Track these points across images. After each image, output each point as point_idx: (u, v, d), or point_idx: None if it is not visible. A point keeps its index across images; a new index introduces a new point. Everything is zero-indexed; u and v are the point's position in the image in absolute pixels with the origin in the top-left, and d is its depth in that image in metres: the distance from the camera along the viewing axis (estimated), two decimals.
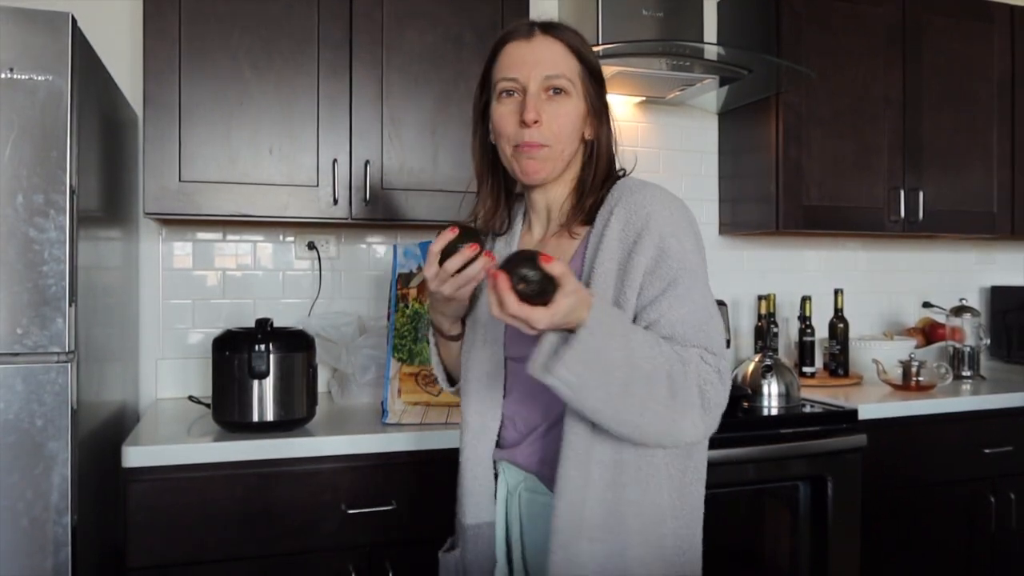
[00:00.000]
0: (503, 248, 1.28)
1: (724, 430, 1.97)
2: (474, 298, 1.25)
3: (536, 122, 1.13)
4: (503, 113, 1.17)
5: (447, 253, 1.09)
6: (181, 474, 1.63)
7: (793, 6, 2.45)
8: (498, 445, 1.25)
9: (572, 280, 0.96)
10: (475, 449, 1.24)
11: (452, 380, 1.38)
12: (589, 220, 1.18)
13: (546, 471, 1.16)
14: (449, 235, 1.09)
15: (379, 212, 2.05)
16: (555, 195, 1.23)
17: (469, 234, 1.10)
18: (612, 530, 1.09)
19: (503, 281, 0.93)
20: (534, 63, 1.15)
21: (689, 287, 1.09)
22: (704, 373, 1.04)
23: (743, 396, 2.19)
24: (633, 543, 1.09)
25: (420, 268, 1.90)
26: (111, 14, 2.18)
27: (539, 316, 0.94)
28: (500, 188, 1.28)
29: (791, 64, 2.33)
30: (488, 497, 1.23)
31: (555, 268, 0.95)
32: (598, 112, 1.20)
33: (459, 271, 1.09)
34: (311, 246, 2.34)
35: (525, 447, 1.20)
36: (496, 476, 1.26)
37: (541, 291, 0.94)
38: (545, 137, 1.14)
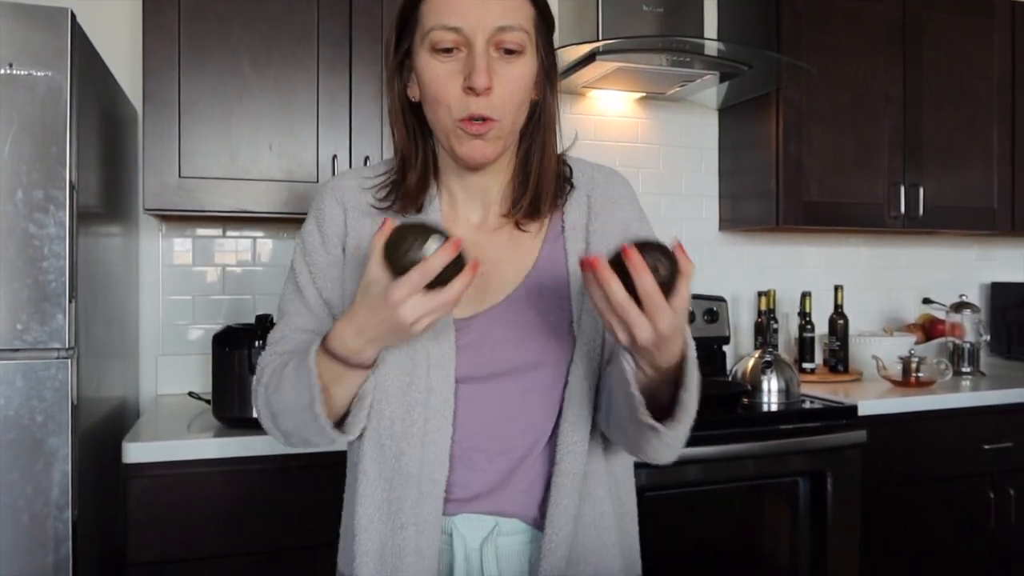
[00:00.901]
0: None
1: (724, 426, 2.01)
2: None
3: (488, 89, 0.89)
4: (440, 75, 0.90)
5: (442, 279, 0.80)
6: (181, 470, 1.63)
7: (793, 3, 2.45)
8: (451, 497, 0.95)
9: (687, 296, 0.80)
10: (420, 512, 0.92)
11: (339, 424, 0.97)
12: (538, 214, 0.99)
13: (533, 507, 0.97)
14: (451, 250, 0.79)
15: None
16: (498, 175, 1.01)
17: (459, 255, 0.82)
18: (596, 552, 0.97)
19: (639, 259, 0.76)
20: (483, 9, 0.89)
21: None
22: None
23: (743, 392, 2.19)
24: (612, 554, 0.99)
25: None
26: (110, 10, 2.17)
27: (668, 314, 0.77)
28: (429, 155, 1.01)
29: (791, 60, 2.33)
30: (431, 574, 0.94)
31: (686, 267, 0.79)
32: (548, 69, 0.97)
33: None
34: None
35: (512, 489, 0.96)
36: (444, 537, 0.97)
37: (669, 281, 0.79)
38: (494, 108, 0.90)
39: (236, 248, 2.31)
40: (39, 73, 1.40)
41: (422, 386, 0.93)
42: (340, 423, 0.96)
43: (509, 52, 0.91)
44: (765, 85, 2.47)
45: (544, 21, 0.96)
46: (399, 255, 0.80)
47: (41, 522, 1.40)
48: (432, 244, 0.80)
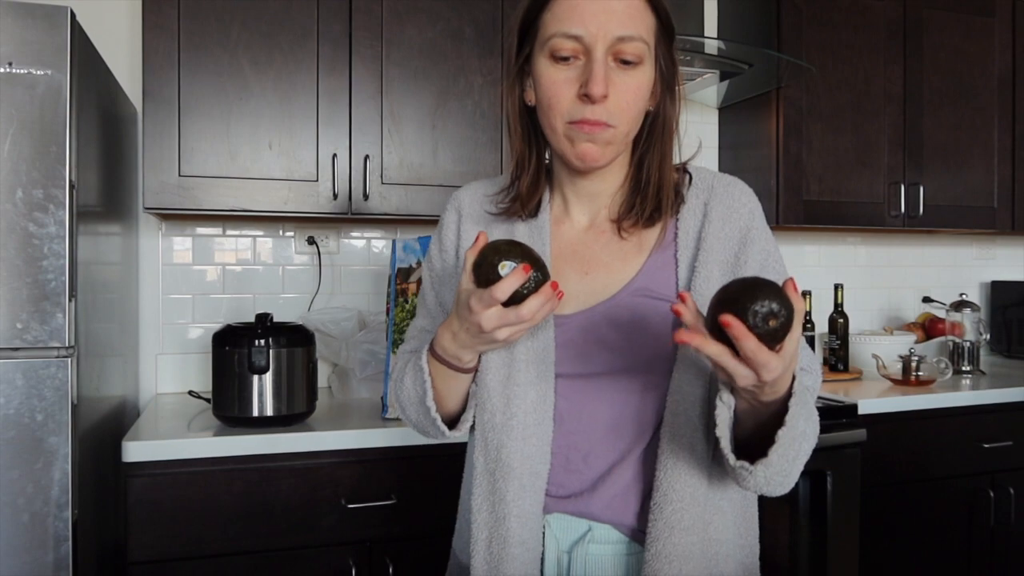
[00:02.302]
0: (527, 232, 1.02)
1: None
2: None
3: (604, 97, 0.90)
4: (557, 81, 0.92)
5: (518, 296, 0.85)
6: (181, 469, 1.63)
7: (794, 1, 2.45)
8: (547, 493, 0.97)
9: (800, 332, 0.77)
10: (522, 504, 0.94)
11: (446, 418, 1.03)
12: (650, 221, 0.99)
13: (629, 515, 0.96)
14: (521, 274, 0.83)
15: (379, 207, 2.05)
16: (609, 181, 1.01)
17: (541, 268, 0.86)
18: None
19: (740, 327, 0.72)
20: (604, 16, 0.89)
21: None
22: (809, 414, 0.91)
23: None
24: None
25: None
26: (110, 9, 2.17)
27: (775, 365, 0.73)
28: (542, 160, 1.03)
29: (791, 58, 2.32)
30: (535, 565, 0.95)
31: (799, 307, 0.75)
32: (667, 78, 0.96)
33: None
34: (311, 241, 2.34)
35: (604, 492, 0.96)
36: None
37: (784, 331, 0.74)
38: (611, 115, 0.91)
39: (236, 247, 2.31)
40: (39, 72, 1.40)
41: (521, 380, 0.95)
42: (457, 420, 1.02)
43: (626, 63, 0.91)
44: (765, 84, 2.47)
45: (665, 31, 0.95)
46: (482, 271, 0.85)
47: (41, 521, 1.40)
48: (507, 265, 0.84)
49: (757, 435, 0.85)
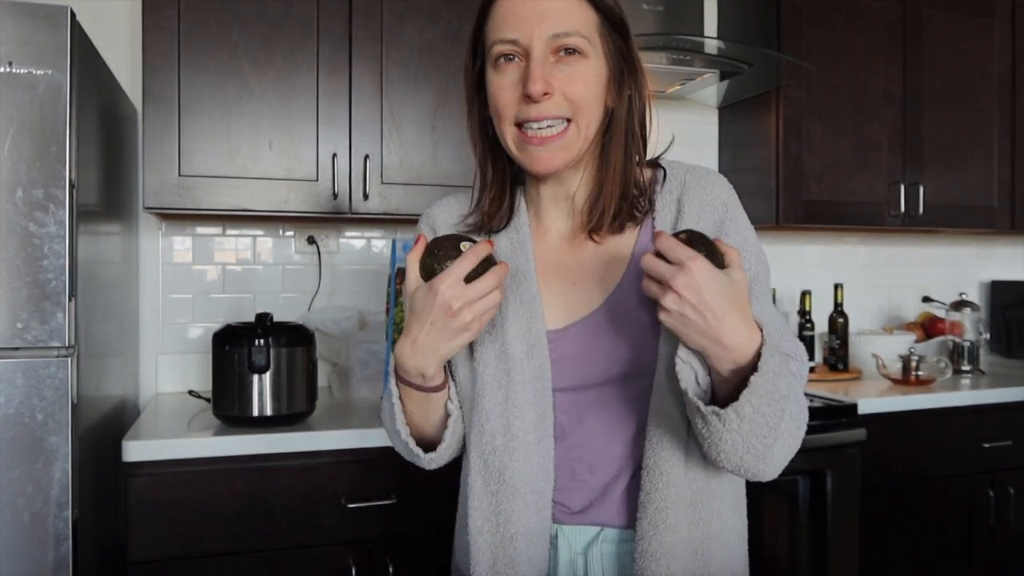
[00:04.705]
0: (508, 248, 1.01)
1: None
2: (492, 328, 0.98)
3: (546, 94, 0.89)
4: (501, 84, 0.92)
5: (475, 274, 0.87)
6: (181, 468, 1.63)
7: (794, 1, 2.45)
8: (557, 510, 0.98)
9: (745, 279, 0.83)
10: (528, 523, 0.94)
11: (426, 445, 1.02)
12: (620, 227, 0.98)
13: (635, 515, 0.96)
14: (486, 248, 0.88)
15: (379, 207, 2.05)
16: (578, 183, 1.00)
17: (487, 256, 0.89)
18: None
19: (658, 235, 0.82)
20: (538, 18, 0.90)
21: (766, 284, 0.97)
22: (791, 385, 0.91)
23: None
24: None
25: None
26: (110, 8, 2.17)
27: (700, 264, 0.79)
28: (506, 173, 1.02)
29: (791, 58, 2.33)
30: None
31: (728, 250, 0.83)
32: (623, 72, 0.95)
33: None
34: (311, 240, 2.34)
35: (613, 498, 0.96)
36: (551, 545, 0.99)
37: (706, 248, 0.83)
38: (561, 109, 0.91)
39: (236, 247, 2.31)
40: (39, 72, 1.40)
41: (520, 400, 0.95)
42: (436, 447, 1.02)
43: (569, 53, 0.91)
44: (765, 83, 2.47)
45: (612, 26, 0.94)
46: (435, 263, 0.88)
47: (41, 520, 1.40)
48: (464, 248, 0.88)
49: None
